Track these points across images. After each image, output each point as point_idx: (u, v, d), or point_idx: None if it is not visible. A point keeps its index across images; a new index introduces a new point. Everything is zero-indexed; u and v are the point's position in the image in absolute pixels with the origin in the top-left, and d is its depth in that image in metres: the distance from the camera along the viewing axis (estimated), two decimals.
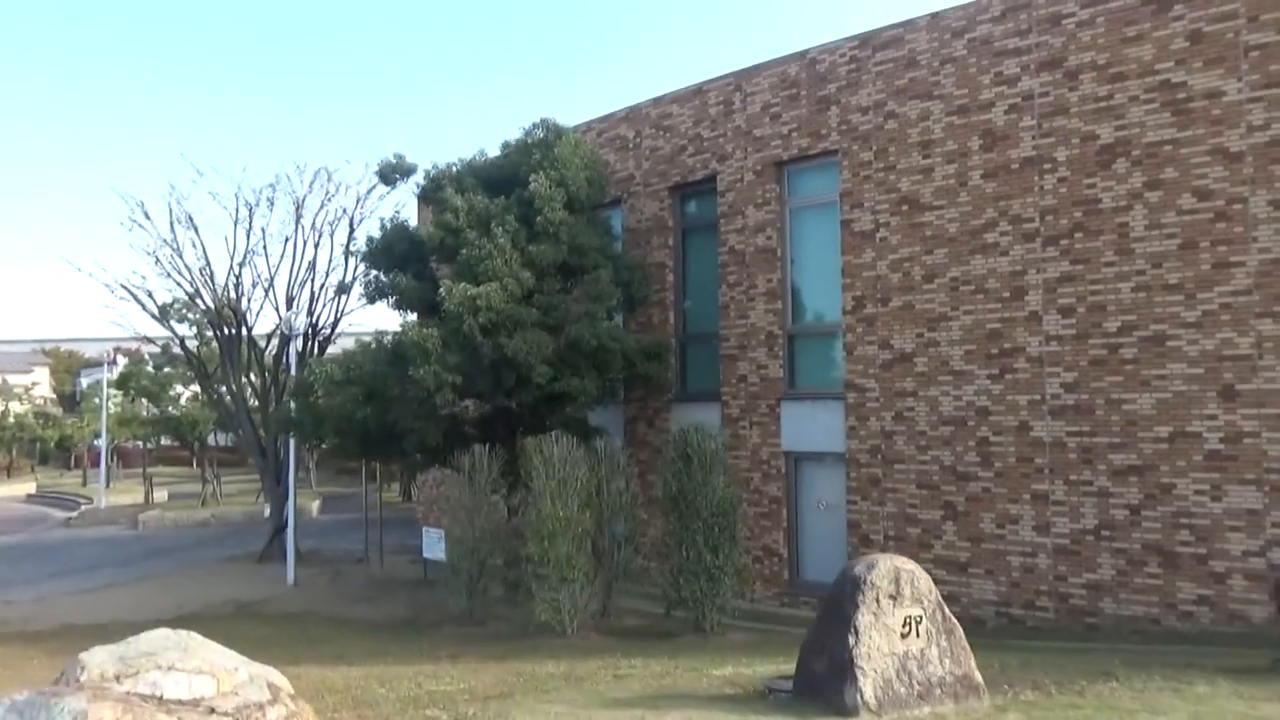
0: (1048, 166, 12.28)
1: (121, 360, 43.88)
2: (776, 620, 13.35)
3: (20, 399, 54.04)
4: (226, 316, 22.65)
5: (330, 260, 24.83)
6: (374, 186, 21.54)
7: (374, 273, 17.12)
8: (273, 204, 22.74)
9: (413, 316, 16.88)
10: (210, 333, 23.63)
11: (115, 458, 43.93)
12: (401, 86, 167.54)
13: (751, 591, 14.27)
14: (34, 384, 65.63)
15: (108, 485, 37.46)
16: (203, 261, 22.87)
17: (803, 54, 15.03)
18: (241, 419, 22.98)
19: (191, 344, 25.09)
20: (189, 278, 22.46)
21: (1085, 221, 11.93)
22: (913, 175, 13.57)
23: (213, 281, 22.68)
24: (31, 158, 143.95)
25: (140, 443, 45.00)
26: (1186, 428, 11.05)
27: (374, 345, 15.98)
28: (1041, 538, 12.08)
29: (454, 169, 16.60)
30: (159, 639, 4.16)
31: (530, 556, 11.83)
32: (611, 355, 14.86)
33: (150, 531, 28.26)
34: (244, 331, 23.00)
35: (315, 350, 22.41)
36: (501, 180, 15.80)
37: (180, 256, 22.37)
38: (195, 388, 33.66)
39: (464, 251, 14.66)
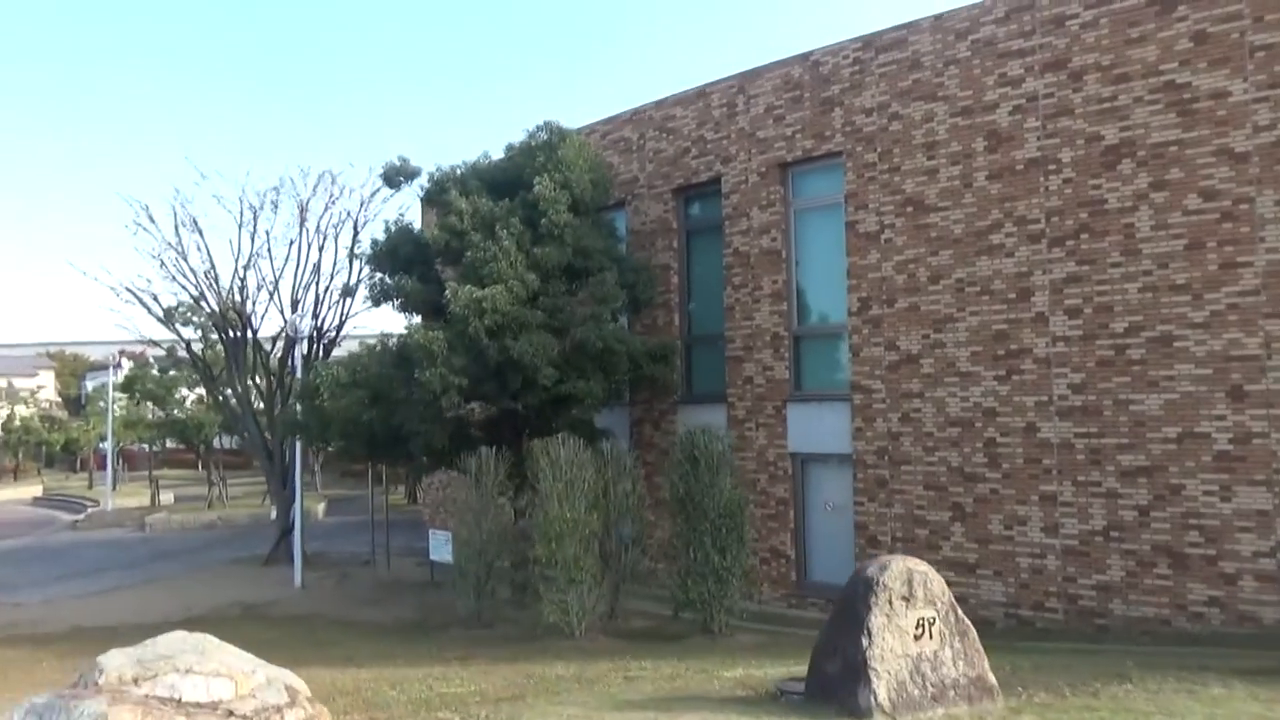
0: (1053, 167, 12.27)
1: (127, 363, 43.91)
2: (784, 622, 13.34)
3: (26, 402, 54.19)
4: (231, 319, 22.71)
5: (335, 263, 24.68)
6: (378, 189, 21.62)
7: (379, 275, 17.10)
8: (277, 207, 22.88)
9: (418, 319, 16.84)
10: (215, 336, 23.65)
11: (121, 461, 44.01)
12: (405, 90, 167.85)
13: (759, 593, 14.28)
14: (39, 387, 65.83)
15: (114, 488, 37.55)
16: (207, 265, 22.87)
17: (806, 56, 15.03)
18: (247, 422, 23.00)
19: (197, 347, 25.09)
20: (194, 281, 22.59)
21: (1091, 222, 11.92)
22: (917, 176, 13.56)
23: (217, 285, 22.78)
24: (37, 162, 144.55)
25: (146, 446, 45.05)
26: (1195, 428, 11.04)
27: (379, 348, 15.95)
28: (1050, 539, 12.07)
29: (458, 171, 16.56)
30: (176, 642, 4.17)
31: (537, 558, 11.80)
32: (617, 357, 14.86)
33: (157, 534, 28.35)
34: (249, 334, 23.05)
35: (320, 353, 22.45)
36: (505, 183, 15.79)
37: (185, 260, 22.50)
38: (200, 391, 33.63)
39: (469, 254, 14.65)
